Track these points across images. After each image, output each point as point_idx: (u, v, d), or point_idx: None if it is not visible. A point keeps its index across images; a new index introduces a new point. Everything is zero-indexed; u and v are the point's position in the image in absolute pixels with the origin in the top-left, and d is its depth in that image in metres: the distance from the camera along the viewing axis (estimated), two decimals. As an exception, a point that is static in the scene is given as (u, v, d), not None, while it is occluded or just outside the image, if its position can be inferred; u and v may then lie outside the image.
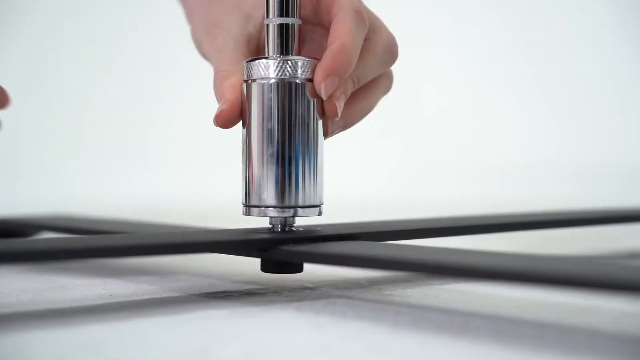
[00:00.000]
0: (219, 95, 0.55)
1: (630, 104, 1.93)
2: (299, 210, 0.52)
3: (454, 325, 0.44)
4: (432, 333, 0.42)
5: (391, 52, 0.60)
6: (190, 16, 0.66)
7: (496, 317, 0.46)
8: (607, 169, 1.68)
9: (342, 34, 0.53)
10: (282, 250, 0.51)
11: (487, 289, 0.53)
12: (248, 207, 0.53)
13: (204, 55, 0.62)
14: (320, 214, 0.53)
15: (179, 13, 0.68)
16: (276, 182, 0.52)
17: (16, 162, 1.50)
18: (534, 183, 1.64)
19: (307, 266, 0.53)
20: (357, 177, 1.66)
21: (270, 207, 0.52)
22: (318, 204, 0.53)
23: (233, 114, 0.54)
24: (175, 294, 0.53)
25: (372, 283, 0.56)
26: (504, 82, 1.96)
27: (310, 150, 0.52)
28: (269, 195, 0.52)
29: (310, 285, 0.55)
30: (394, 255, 0.48)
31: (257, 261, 0.53)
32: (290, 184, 0.52)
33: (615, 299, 0.39)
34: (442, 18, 2.00)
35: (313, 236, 0.52)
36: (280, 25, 0.53)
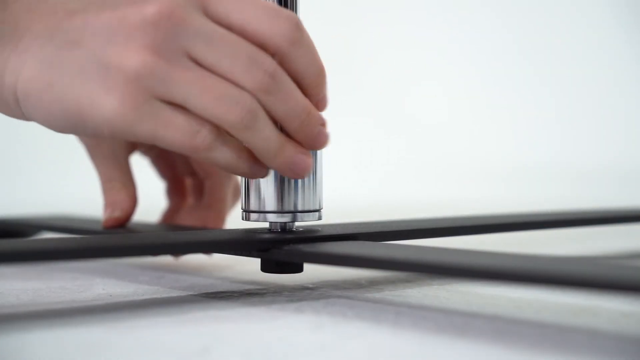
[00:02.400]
0: (111, 202, 0.63)
1: (630, 105, 1.93)
2: (298, 215, 0.52)
3: (454, 325, 0.44)
4: (432, 333, 0.42)
5: (238, 194, 0.66)
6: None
7: (496, 317, 0.46)
8: (607, 169, 1.68)
9: (219, 202, 0.64)
10: (282, 250, 0.51)
11: (487, 289, 0.53)
12: (247, 212, 0.53)
13: (79, 138, 0.64)
14: (319, 218, 0.53)
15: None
16: (275, 187, 0.52)
17: (16, 162, 1.50)
18: (534, 184, 1.64)
19: (307, 266, 0.53)
20: (356, 177, 1.65)
21: (269, 212, 0.52)
22: (318, 208, 0.53)
23: (125, 221, 0.63)
24: (175, 294, 0.53)
25: (372, 283, 0.56)
26: (504, 83, 1.96)
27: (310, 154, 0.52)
28: (268, 200, 0.52)
29: (310, 285, 0.55)
30: (394, 255, 0.48)
31: (257, 261, 0.53)
32: (289, 189, 0.52)
33: (615, 299, 0.39)
34: (442, 19, 2.00)
35: (313, 236, 0.52)
36: None
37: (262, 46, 0.46)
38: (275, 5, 0.47)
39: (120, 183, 0.64)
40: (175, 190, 0.68)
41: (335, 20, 1.87)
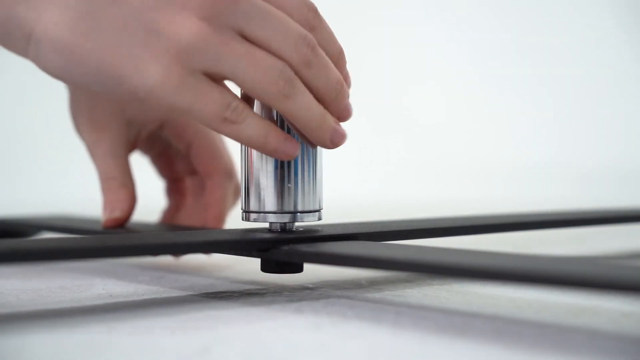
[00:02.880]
0: (111, 201, 0.63)
1: (630, 105, 1.93)
2: (298, 215, 0.52)
3: (454, 325, 0.44)
4: (432, 333, 0.42)
5: (239, 194, 0.66)
6: (73, 100, 0.64)
7: (496, 317, 0.46)
8: (607, 169, 1.68)
9: (219, 202, 0.64)
10: (282, 250, 0.51)
11: (487, 289, 0.53)
12: (247, 212, 0.53)
13: (79, 135, 0.64)
14: (319, 219, 0.53)
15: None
16: (275, 188, 0.52)
17: (16, 162, 1.50)
18: (534, 184, 1.64)
19: (307, 266, 0.53)
20: (356, 177, 1.65)
21: (269, 213, 0.52)
22: (317, 209, 0.53)
23: (124, 221, 0.63)
24: (175, 294, 0.53)
25: (372, 283, 0.56)
26: (504, 83, 1.96)
27: (309, 155, 0.52)
28: (268, 201, 0.52)
29: (310, 285, 0.55)
30: (394, 255, 0.48)
31: (257, 261, 0.53)
32: (289, 190, 0.52)
33: (615, 299, 0.39)
34: (441, 18, 2.00)
35: (313, 236, 0.52)
36: None
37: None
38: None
39: (119, 182, 0.63)
40: (174, 190, 0.68)
41: (336, 20, 1.87)
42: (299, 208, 0.52)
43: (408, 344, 0.41)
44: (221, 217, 0.65)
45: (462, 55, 1.98)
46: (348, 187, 1.46)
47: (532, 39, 1.99)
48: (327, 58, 0.49)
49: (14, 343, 0.41)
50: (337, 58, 0.51)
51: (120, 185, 0.63)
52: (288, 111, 0.47)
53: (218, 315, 0.47)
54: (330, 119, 0.50)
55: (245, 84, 0.46)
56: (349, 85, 0.51)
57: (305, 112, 0.48)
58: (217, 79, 0.46)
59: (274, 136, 0.48)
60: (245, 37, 0.45)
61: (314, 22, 0.49)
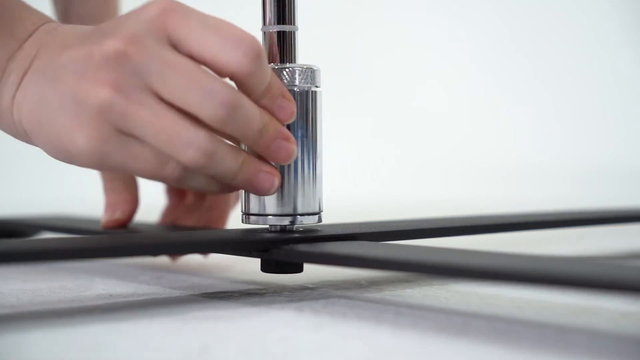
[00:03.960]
0: (112, 202, 0.63)
1: (630, 105, 1.93)
2: (298, 218, 0.52)
3: (454, 325, 0.44)
4: (432, 333, 0.42)
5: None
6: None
7: (496, 317, 0.46)
8: (607, 169, 1.68)
9: (222, 203, 0.64)
10: (282, 250, 0.51)
11: (487, 289, 0.53)
12: (247, 215, 0.53)
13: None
14: (319, 221, 0.53)
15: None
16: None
17: (16, 162, 1.50)
18: (534, 184, 1.64)
19: (307, 266, 0.53)
20: (356, 177, 1.65)
21: (269, 215, 0.52)
22: (317, 211, 0.53)
23: (125, 223, 0.63)
24: (175, 294, 0.53)
25: (372, 283, 0.56)
26: (504, 83, 1.96)
27: (310, 157, 0.52)
28: (268, 203, 0.52)
29: (310, 285, 0.55)
30: (393, 255, 0.48)
31: (257, 261, 0.53)
32: (289, 192, 0.52)
33: (615, 299, 0.39)
34: (441, 18, 2.00)
35: (313, 236, 0.52)
36: (278, 33, 0.53)
37: (220, 74, 0.46)
38: (239, 32, 0.46)
39: (122, 183, 0.63)
40: (174, 189, 0.68)
41: (336, 22, 1.87)
42: (299, 210, 0.52)
43: (408, 344, 0.41)
44: (224, 219, 0.66)
45: (462, 55, 1.98)
46: (348, 187, 1.46)
47: (532, 39, 1.99)
48: (247, 108, 0.46)
49: (14, 343, 0.41)
50: (273, 102, 0.49)
51: (124, 188, 0.63)
52: (204, 172, 0.47)
53: (218, 315, 0.47)
54: (250, 169, 0.49)
55: (158, 148, 0.46)
56: (284, 117, 0.49)
57: (221, 173, 0.48)
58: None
59: (215, 183, 0.49)
60: (158, 95, 0.45)
61: (249, 68, 0.46)
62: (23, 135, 0.50)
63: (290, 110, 0.50)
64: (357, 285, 0.56)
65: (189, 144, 0.45)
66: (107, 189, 0.64)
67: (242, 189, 0.51)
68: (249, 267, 0.60)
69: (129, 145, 0.46)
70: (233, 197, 0.66)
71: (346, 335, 0.42)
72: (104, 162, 0.47)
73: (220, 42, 0.46)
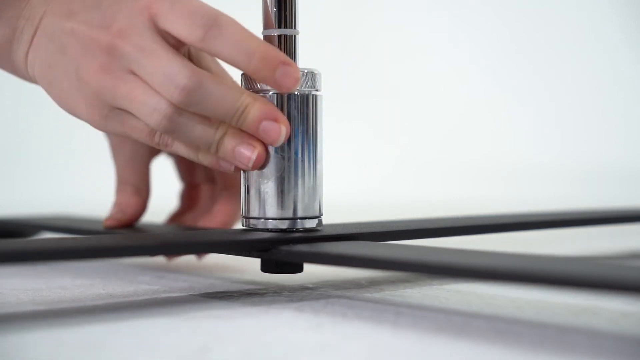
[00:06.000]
0: (120, 203, 0.64)
1: (630, 105, 1.93)
2: (298, 221, 0.52)
3: (454, 325, 0.44)
4: (432, 333, 0.42)
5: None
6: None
7: (496, 317, 0.46)
8: (607, 169, 1.68)
9: (228, 214, 0.65)
10: (282, 250, 0.51)
11: (487, 289, 0.53)
12: (247, 218, 0.53)
13: (106, 134, 0.65)
14: (320, 224, 0.53)
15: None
16: (276, 195, 0.52)
17: (16, 162, 1.50)
18: (534, 184, 1.64)
19: (307, 266, 0.53)
20: (356, 177, 1.65)
21: (269, 219, 0.52)
22: (317, 215, 0.53)
23: (127, 225, 0.65)
24: (175, 294, 0.53)
25: (372, 283, 0.56)
26: (504, 83, 1.96)
27: (310, 161, 0.52)
28: (269, 207, 0.52)
29: (310, 285, 0.55)
30: (393, 255, 0.48)
31: (257, 261, 0.53)
32: (289, 196, 0.52)
33: (615, 299, 0.39)
34: (442, 19, 2.00)
35: (313, 236, 0.52)
36: (279, 37, 0.53)
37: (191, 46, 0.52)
38: (198, 5, 0.50)
39: (133, 188, 0.64)
40: (189, 195, 0.68)
41: (337, 20, 1.87)
42: (299, 214, 0.52)
43: (408, 344, 0.41)
44: (230, 225, 0.66)
45: (462, 55, 1.98)
46: (348, 187, 1.46)
47: (532, 39, 1.99)
48: (211, 88, 0.50)
49: (14, 342, 0.41)
50: (245, 61, 0.50)
51: (134, 192, 0.64)
52: (177, 140, 0.53)
53: (218, 315, 0.47)
54: (230, 143, 0.52)
55: (138, 117, 0.52)
56: (286, 85, 0.51)
57: (195, 141, 0.52)
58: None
59: (205, 154, 0.53)
60: (137, 75, 0.51)
61: (207, 32, 0.49)
62: (40, 85, 0.56)
63: (293, 76, 0.51)
64: (357, 285, 0.56)
65: (153, 109, 0.51)
66: (118, 190, 0.64)
67: (225, 160, 0.53)
68: (249, 267, 0.60)
69: (125, 118, 0.53)
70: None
71: (346, 335, 0.42)
72: (108, 130, 0.54)
73: (184, 20, 0.50)
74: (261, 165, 0.52)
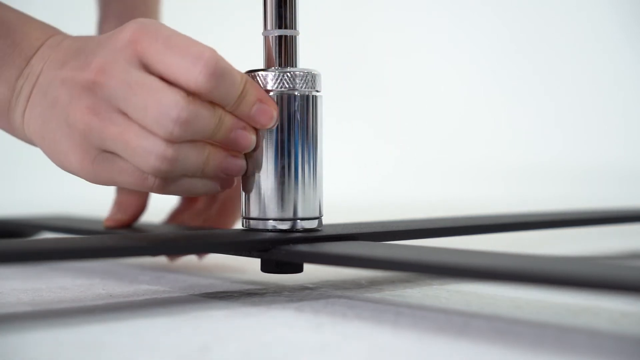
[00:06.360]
0: (120, 201, 0.64)
1: (630, 105, 1.93)
2: (298, 222, 0.52)
3: (454, 325, 0.44)
4: (432, 333, 0.42)
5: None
6: None
7: (496, 317, 0.46)
8: (607, 169, 1.68)
9: (231, 214, 0.65)
10: (282, 250, 0.51)
11: (487, 289, 0.53)
12: (248, 219, 0.53)
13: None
14: (320, 225, 0.53)
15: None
16: (276, 195, 0.52)
17: (16, 162, 1.50)
18: (534, 184, 1.64)
19: (307, 266, 0.53)
20: (357, 177, 1.65)
21: (270, 219, 0.52)
22: (318, 215, 0.53)
23: (127, 224, 0.64)
24: (175, 294, 0.53)
25: (372, 283, 0.56)
26: (504, 83, 1.96)
27: (310, 162, 0.52)
28: (269, 208, 0.52)
29: (310, 285, 0.55)
30: (394, 255, 0.48)
31: (257, 261, 0.53)
32: (289, 197, 0.52)
33: (615, 299, 0.39)
34: (441, 19, 2.00)
35: (313, 236, 0.52)
36: (279, 37, 0.53)
37: (188, 91, 0.48)
38: (196, 50, 0.48)
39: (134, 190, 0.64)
40: None
41: (337, 20, 1.87)
42: (299, 215, 0.52)
43: (408, 344, 0.41)
44: (230, 225, 0.66)
45: (462, 55, 1.98)
46: (348, 187, 1.46)
47: (532, 39, 1.99)
48: (205, 119, 0.48)
49: (14, 342, 0.41)
50: (238, 104, 0.50)
51: (134, 191, 0.64)
52: (169, 173, 0.49)
53: (218, 315, 0.47)
54: (217, 155, 0.51)
55: (130, 161, 0.49)
56: (264, 122, 0.51)
57: (187, 167, 0.50)
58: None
59: (202, 185, 0.52)
60: (128, 116, 0.49)
61: (208, 83, 0.48)
62: (36, 143, 0.54)
63: (268, 114, 0.51)
64: (357, 285, 0.56)
65: (149, 153, 0.48)
66: (118, 189, 0.64)
67: (215, 174, 0.52)
68: (249, 267, 0.60)
69: (114, 162, 0.50)
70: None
71: (346, 335, 0.42)
72: (97, 178, 0.51)
73: (180, 62, 0.48)
74: (243, 171, 0.52)
